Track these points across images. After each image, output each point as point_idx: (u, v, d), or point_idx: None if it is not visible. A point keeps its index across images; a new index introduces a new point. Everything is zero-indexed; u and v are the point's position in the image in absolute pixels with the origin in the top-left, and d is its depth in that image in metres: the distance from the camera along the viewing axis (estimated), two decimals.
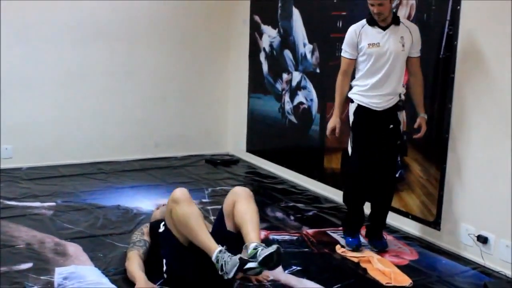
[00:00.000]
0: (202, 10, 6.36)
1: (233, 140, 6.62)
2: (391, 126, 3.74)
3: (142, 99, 6.21)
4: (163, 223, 3.42)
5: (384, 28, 3.69)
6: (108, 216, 4.34)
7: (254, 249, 2.82)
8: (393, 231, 4.24)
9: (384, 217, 3.96)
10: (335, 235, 4.11)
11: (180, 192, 3.13)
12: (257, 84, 6.12)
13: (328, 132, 3.95)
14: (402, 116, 3.78)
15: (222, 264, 2.82)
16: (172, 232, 3.12)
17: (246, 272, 2.84)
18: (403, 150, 3.88)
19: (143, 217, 4.30)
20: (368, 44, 3.70)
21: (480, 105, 3.65)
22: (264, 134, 6.06)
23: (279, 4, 5.64)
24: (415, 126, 3.78)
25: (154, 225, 3.46)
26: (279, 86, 5.75)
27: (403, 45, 3.67)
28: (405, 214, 4.24)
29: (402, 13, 4.12)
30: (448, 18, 3.78)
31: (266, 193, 5.17)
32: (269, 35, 5.86)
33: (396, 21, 3.70)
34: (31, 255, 3.55)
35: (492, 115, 3.57)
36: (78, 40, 5.77)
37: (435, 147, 3.95)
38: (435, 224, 3.99)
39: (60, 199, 4.71)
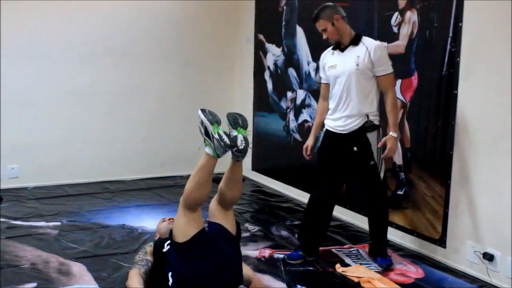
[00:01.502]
0: (207, 29, 6.42)
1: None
2: (355, 148, 3.72)
3: (147, 119, 6.24)
4: (167, 242, 3.41)
5: (343, 50, 3.75)
6: (113, 236, 4.33)
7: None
8: (399, 249, 4.21)
9: (382, 234, 3.93)
10: (340, 254, 4.08)
11: None
12: (262, 103, 6.15)
13: (303, 151, 4.08)
14: (374, 136, 3.72)
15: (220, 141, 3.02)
16: (174, 240, 3.11)
17: (236, 141, 3.07)
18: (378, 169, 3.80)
19: (148, 236, 4.29)
20: (328, 67, 3.83)
21: (484, 121, 3.64)
22: (269, 153, 6.07)
23: (283, 23, 5.68)
24: (379, 145, 3.71)
25: (158, 244, 3.44)
26: (283, 104, 5.77)
27: (357, 64, 3.66)
28: (411, 232, 4.21)
29: (405, 30, 4.15)
30: (451, 35, 3.79)
31: (272, 211, 5.17)
32: (274, 54, 5.89)
33: (354, 41, 3.72)
34: (36, 275, 3.55)
35: (496, 131, 3.55)
36: (83, 60, 5.83)
37: (440, 164, 3.94)
38: (441, 241, 3.96)
39: (65, 218, 4.72)
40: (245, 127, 3.17)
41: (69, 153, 5.86)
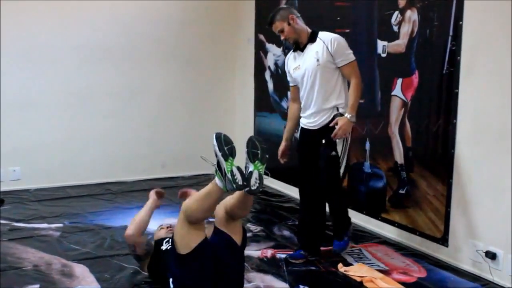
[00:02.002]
0: (207, 30, 6.42)
1: (240, 159, 6.61)
2: (323, 141, 3.74)
3: (148, 120, 6.25)
4: (166, 240, 3.42)
5: (302, 50, 3.78)
6: (115, 237, 4.34)
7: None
8: (401, 248, 4.21)
9: (337, 217, 3.97)
10: (342, 253, 4.08)
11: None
12: (263, 103, 6.15)
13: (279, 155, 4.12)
14: None
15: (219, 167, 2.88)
16: (176, 251, 3.09)
17: (250, 180, 2.89)
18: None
19: (150, 237, 4.27)
20: (293, 69, 3.86)
21: (485, 120, 3.63)
22: (270, 153, 6.03)
23: None
24: (331, 124, 3.68)
25: (158, 243, 3.46)
26: (284, 104, 5.76)
27: (317, 60, 3.68)
28: (413, 231, 4.21)
29: (405, 29, 4.14)
30: (451, 33, 3.78)
31: (273, 211, 5.17)
32: (274, 54, 5.89)
33: (311, 38, 3.75)
34: (38, 277, 3.56)
35: (497, 129, 3.55)
36: (84, 61, 5.84)
37: (441, 163, 3.93)
38: (443, 240, 3.96)
39: (67, 220, 4.73)
40: (263, 161, 2.99)
41: (71, 155, 5.87)
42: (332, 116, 3.72)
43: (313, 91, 3.74)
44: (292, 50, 3.90)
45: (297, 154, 4.05)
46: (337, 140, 3.71)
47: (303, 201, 4.00)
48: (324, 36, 3.74)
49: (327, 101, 3.72)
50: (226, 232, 3.14)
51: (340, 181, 3.93)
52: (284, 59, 5.68)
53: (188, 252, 3.01)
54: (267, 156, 3.02)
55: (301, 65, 3.79)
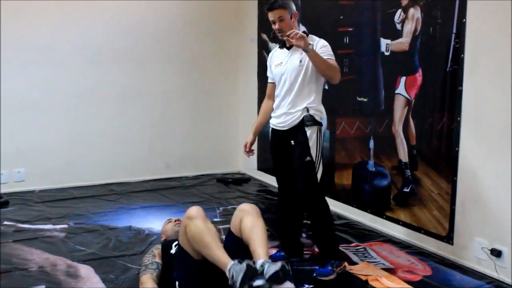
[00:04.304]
0: (210, 30, 6.42)
1: (244, 158, 6.62)
2: (292, 142, 3.65)
3: (152, 120, 6.25)
4: (175, 243, 3.41)
5: (289, 48, 3.69)
6: (119, 237, 4.34)
7: (261, 266, 2.79)
8: (406, 246, 4.20)
9: (320, 239, 3.79)
10: (347, 252, 4.08)
11: (195, 209, 3.11)
12: None
13: (243, 148, 4.02)
14: (314, 133, 3.61)
15: (233, 274, 2.76)
16: (185, 250, 3.08)
17: None
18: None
19: (155, 238, 4.30)
20: (275, 65, 3.76)
21: (489, 117, 3.63)
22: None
23: None
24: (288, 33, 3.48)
25: (166, 246, 3.44)
26: None
27: (300, 61, 3.58)
28: (417, 229, 4.20)
29: (408, 27, 4.14)
30: (454, 31, 3.78)
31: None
32: None
33: None
34: (44, 278, 3.56)
35: (501, 127, 3.54)
36: (88, 62, 5.85)
37: (446, 161, 3.93)
38: (448, 238, 3.95)
39: (72, 221, 4.73)
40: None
41: (75, 156, 5.88)
42: (302, 117, 3.59)
43: (291, 91, 3.63)
44: (278, 47, 3.80)
45: (270, 154, 3.91)
46: (310, 143, 3.58)
47: (278, 202, 3.95)
48: (315, 40, 3.65)
49: (300, 102, 3.60)
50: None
51: (320, 189, 3.70)
52: None
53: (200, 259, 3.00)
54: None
55: (283, 63, 3.69)
